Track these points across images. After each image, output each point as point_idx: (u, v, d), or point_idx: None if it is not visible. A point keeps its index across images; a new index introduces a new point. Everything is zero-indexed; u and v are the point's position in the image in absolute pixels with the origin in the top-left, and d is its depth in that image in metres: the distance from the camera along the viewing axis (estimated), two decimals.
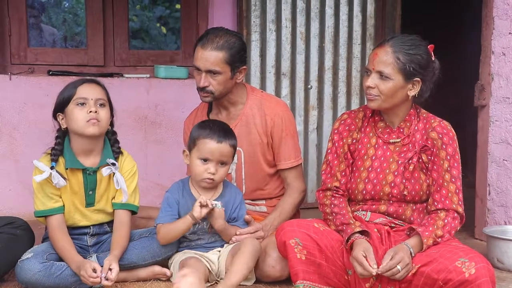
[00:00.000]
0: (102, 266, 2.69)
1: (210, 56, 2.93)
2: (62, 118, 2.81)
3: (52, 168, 2.75)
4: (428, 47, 2.69)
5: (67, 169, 2.81)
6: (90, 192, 2.87)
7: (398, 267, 2.45)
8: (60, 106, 2.81)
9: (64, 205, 2.83)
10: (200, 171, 2.80)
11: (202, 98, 3.05)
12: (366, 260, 2.47)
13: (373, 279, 2.55)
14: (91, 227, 2.91)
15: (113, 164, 2.84)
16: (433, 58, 2.70)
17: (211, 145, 2.77)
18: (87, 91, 2.78)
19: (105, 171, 2.83)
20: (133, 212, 2.94)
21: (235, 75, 3.02)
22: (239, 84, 3.11)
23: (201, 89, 2.99)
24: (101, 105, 2.79)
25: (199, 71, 2.97)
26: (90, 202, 2.88)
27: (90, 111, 2.74)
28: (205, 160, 2.79)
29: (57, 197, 2.81)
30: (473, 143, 3.77)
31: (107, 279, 2.63)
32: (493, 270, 2.43)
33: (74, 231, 2.87)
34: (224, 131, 2.82)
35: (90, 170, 2.84)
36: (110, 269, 2.65)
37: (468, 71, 4.21)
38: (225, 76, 2.97)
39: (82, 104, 2.76)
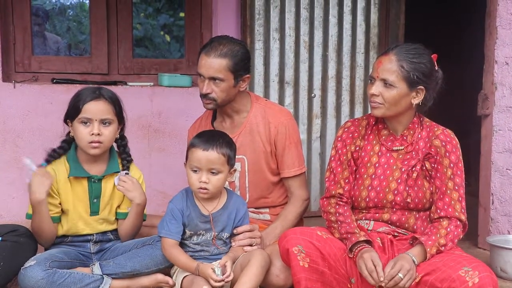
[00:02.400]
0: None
1: (214, 63, 2.94)
2: (71, 126, 2.81)
3: (41, 166, 2.76)
4: (432, 56, 2.70)
5: (69, 177, 2.82)
6: (95, 200, 2.87)
7: (400, 275, 2.44)
8: (69, 115, 2.80)
9: (60, 216, 2.84)
10: (192, 182, 2.76)
11: (205, 105, 3.06)
12: (376, 269, 2.47)
13: None
14: (94, 234, 2.91)
15: (127, 174, 2.89)
16: (436, 68, 2.71)
17: (197, 153, 2.72)
18: (92, 111, 2.74)
19: (117, 180, 2.87)
20: None
21: (238, 84, 3.02)
22: (243, 92, 3.12)
23: (203, 96, 3.00)
24: (106, 123, 2.78)
25: (203, 78, 2.98)
26: (94, 210, 2.88)
27: (93, 133, 2.73)
28: (196, 170, 2.75)
29: (53, 206, 2.82)
30: (477, 152, 3.76)
31: None
32: (496, 280, 2.43)
33: (77, 238, 2.88)
34: (213, 139, 2.75)
35: (95, 178, 2.85)
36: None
37: (471, 80, 4.20)
38: (228, 84, 2.98)
39: (86, 123, 2.75)
